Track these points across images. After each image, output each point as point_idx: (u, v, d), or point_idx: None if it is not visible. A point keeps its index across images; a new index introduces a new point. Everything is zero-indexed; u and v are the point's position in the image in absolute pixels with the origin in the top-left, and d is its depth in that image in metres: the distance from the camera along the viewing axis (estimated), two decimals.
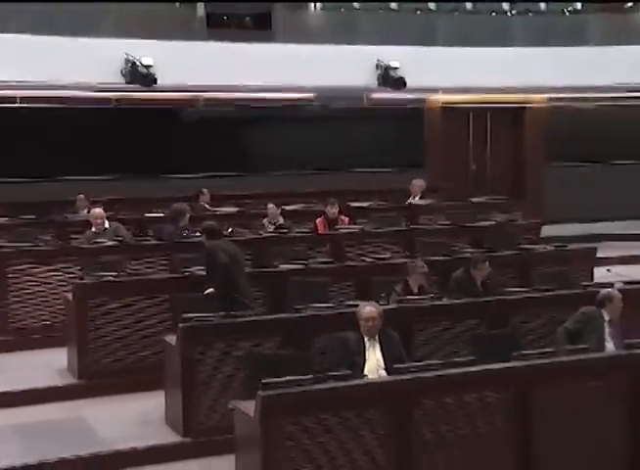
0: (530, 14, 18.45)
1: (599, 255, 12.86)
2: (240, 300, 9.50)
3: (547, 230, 15.49)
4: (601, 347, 8.43)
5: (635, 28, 18.96)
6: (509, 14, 18.40)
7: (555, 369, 7.76)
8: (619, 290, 9.07)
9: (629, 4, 19.26)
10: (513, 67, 16.72)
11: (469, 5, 18.29)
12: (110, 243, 11.87)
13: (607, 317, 8.59)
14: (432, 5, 18.10)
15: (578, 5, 18.89)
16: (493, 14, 18.30)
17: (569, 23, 18.45)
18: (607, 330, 8.55)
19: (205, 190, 14.91)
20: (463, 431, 7.33)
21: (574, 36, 17.91)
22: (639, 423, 7.90)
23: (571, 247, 12.95)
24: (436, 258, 11.49)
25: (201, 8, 15.54)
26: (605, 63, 17.15)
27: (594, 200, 17.97)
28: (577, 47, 17.55)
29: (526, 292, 10.20)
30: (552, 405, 7.60)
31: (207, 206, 14.75)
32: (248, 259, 11.39)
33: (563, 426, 7.61)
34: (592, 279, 11.75)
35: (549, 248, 12.71)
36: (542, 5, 18.66)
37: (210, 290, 9.72)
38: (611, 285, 9.87)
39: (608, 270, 12.86)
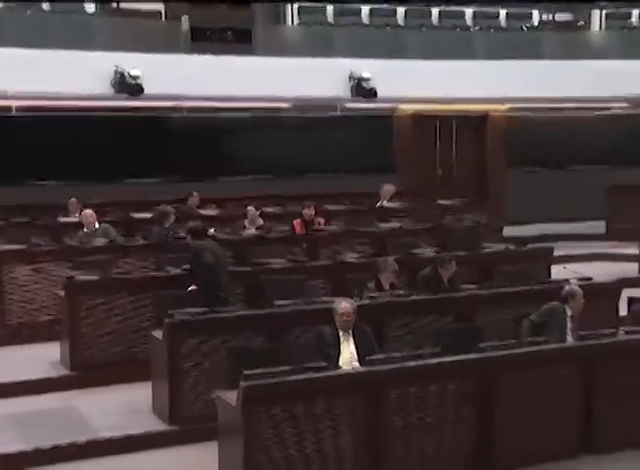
0: (491, 30, 18.53)
1: (556, 253, 12.90)
2: (222, 297, 9.48)
3: (508, 231, 15.54)
4: (562, 340, 8.47)
5: (586, 44, 19.09)
6: (472, 29, 18.46)
7: (515, 360, 7.81)
8: (575, 284, 9.14)
9: (581, 22, 19.39)
10: (475, 78, 16.77)
11: (435, 21, 18.35)
12: (100, 243, 11.84)
13: (569, 313, 8.61)
14: (400, 21, 18.13)
15: (535, 22, 18.98)
16: (457, 29, 18.34)
17: (526, 39, 18.53)
18: (569, 325, 8.57)
19: (195, 192, 14.87)
20: (430, 418, 7.38)
21: (531, 51, 17.99)
22: (592, 407, 7.97)
23: (530, 246, 13.00)
24: (406, 257, 11.51)
25: (185, 23, 15.50)
26: (559, 76, 17.25)
27: (551, 202, 18.04)
28: (534, 61, 17.63)
29: (489, 288, 10.25)
30: (512, 393, 7.66)
31: (196, 207, 14.69)
32: (229, 259, 11.42)
33: (522, 411, 7.67)
34: (549, 276, 11.77)
35: (510, 247, 12.74)
36: (502, 22, 18.74)
37: (193, 287, 9.71)
38: (567, 281, 9.94)
39: (564, 268, 12.88)
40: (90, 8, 15.99)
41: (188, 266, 9.98)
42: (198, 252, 9.71)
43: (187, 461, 7.82)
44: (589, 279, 10.18)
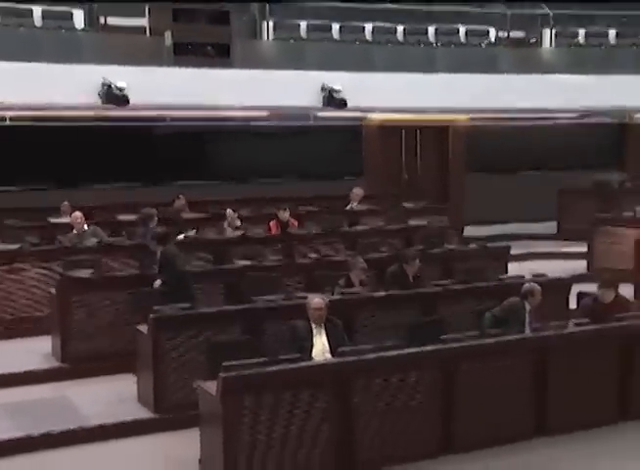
0: (452, 46, 18.56)
1: (512, 252, 12.94)
2: (190, 296, 9.41)
3: (468, 231, 15.62)
4: (522, 332, 8.48)
5: (538, 60, 19.18)
6: (434, 45, 18.48)
7: (475, 350, 7.83)
8: (532, 281, 9.17)
9: (533, 40, 19.51)
10: (438, 90, 16.78)
11: (400, 37, 18.35)
12: (89, 243, 11.78)
13: (528, 308, 8.64)
14: (368, 37, 18.14)
15: (492, 39, 19.05)
16: (421, 45, 18.36)
17: (484, 55, 18.59)
18: (527, 319, 8.60)
19: (181, 196, 14.81)
20: (397, 404, 7.39)
21: (489, 65, 18.05)
22: (545, 393, 8.00)
23: (488, 245, 13.04)
24: (374, 255, 11.52)
25: (168, 38, 15.43)
26: (513, 88, 17.31)
27: (507, 205, 18.09)
28: (491, 74, 17.69)
29: (451, 284, 10.27)
30: (473, 381, 7.68)
31: (183, 210, 14.62)
32: (210, 258, 11.50)
33: (481, 398, 7.70)
34: (506, 273, 11.81)
35: (470, 246, 12.78)
36: (462, 38, 18.79)
37: (158, 282, 9.67)
38: (522, 278, 9.98)
39: (519, 265, 12.96)
40: (79, 24, 15.89)
41: (159, 268, 9.85)
42: (169, 258, 9.66)
43: (171, 447, 7.82)
44: (542, 276, 10.21)
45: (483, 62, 18.19)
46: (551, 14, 19.33)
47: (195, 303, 9.25)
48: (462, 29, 18.84)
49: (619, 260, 13.35)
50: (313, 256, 11.80)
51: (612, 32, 19.77)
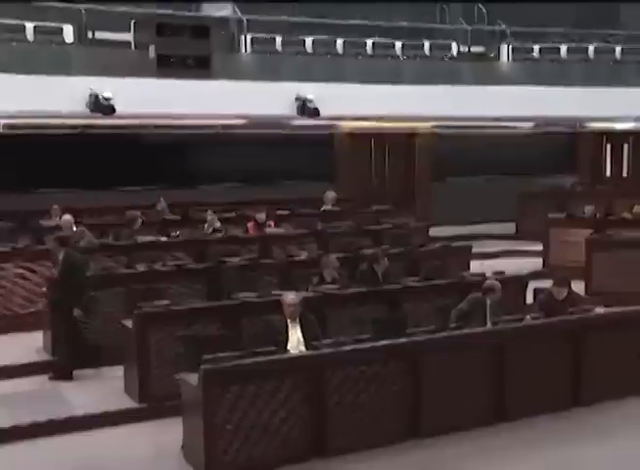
0: (418, 59, 18.57)
1: (474, 251, 12.99)
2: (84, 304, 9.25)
3: (433, 231, 15.63)
4: (484, 325, 8.52)
5: (496, 72, 19.26)
6: (401, 58, 18.49)
7: (439, 342, 7.86)
8: (492, 278, 9.22)
9: (492, 54, 19.61)
10: (404, 100, 16.78)
11: (369, 51, 18.34)
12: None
13: (489, 303, 8.67)
14: (340, 50, 18.12)
15: (454, 53, 19.09)
16: (389, 58, 18.35)
17: (446, 67, 18.62)
18: (488, 313, 8.63)
19: (162, 199, 14.74)
20: (367, 393, 7.40)
21: (451, 77, 18.08)
22: (504, 381, 8.04)
23: (451, 245, 13.07)
24: (345, 254, 11.51)
25: (152, 51, 15.37)
26: (474, 98, 17.37)
27: (469, 207, 18.17)
28: (454, 86, 17.73)
29: (417, 282, 10.30)
30: (437, 370, 7.70)
31: (164, 213, 14.56)
32: (191, 257, 11.52)
33: (445, 386, 7.72)
34: (469, 270, 11.83)
35: (435, 245, 12.80)
36: (427, 52, 18.81)
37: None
38: (483, 275, 10.02)
39: (481, 263, 13.00)
40: (68, 38, 15.81)
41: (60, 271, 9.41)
42: (75, 264, 9.35)
43: (155, 434, 7.81)
44: (502, 273, 10.25)
45: (447, 74, 18.21)
46: (508, 30, 19.43)
47: (86, 312, 9.10)
48: (427, 44, 18.86)
49: (572, 258, 13.45)
50: (289, 255, 11.77)
51: (563, 48, 19.89)
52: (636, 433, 7.86)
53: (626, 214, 14.96)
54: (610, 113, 18.61)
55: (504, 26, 19.39)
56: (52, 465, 7.19)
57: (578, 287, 10.56)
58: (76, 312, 9.06)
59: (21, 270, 11.07)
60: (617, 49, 20.23)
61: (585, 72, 19.33)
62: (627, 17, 21.37)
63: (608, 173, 21.74)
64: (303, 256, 11.63)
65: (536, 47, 19.64)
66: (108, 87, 14.22)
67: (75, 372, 9.19)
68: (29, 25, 15.20)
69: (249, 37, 17.40)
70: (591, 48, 20.02)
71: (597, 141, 21.44)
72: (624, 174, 21.79)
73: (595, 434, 7.79)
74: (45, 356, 9.78)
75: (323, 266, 9.97)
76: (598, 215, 14.93)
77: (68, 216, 12.18)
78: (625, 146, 21.79)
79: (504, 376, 8.06)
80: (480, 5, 19.31)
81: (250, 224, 13.40)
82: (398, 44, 18.63)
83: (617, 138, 21.59)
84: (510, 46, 19.40)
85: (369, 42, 18.38)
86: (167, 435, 7.47)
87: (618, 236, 13.12)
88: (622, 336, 8.79)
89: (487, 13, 19.35)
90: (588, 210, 14.94)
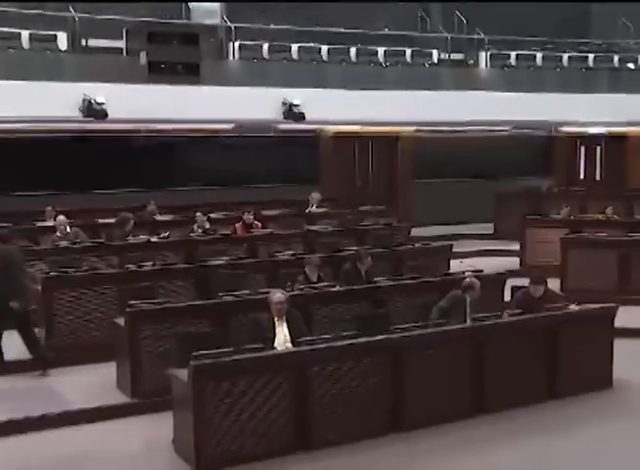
0: (399, 65, 18.63)
1: (454, 250, 13.01)
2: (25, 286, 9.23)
3: (415, 231, 15.68)
4: (464, 322, 8.53)
5: (475, 78, 19.34)
6: (383, 65, 18.54)
7: (420, 339, 7.86)
8: (471, 276, 9.23)
9: (471, 61, 19.68)
10: (387, 105, 16.84)
11: (353, 57, 18.38)
12: (71, 244, 11.66)
13: (468, 300, 8.69)
14: (325, 57, 18.15)
15: (435, 60, 19.15)
16: (372, 65, 18.40)
17: (427, 73, 18.68)
18: (468, 310, 8.65)
19: (152, 201, 14.70)
20: (350, 387, 7.41)
21: (432, 83, 18.14)
22: (483, 375, 8.06)
23: (432, 244, 13.09)
24: (330, 254, 11.51)
25: (143, 58, 15.35)
26: (454, 103, 17.44)
27: (450, 208, 18.23)
28: (434, 91, 17.78)
29: (399, 280, 10.30)
30: (419, 366, 7.71)
31: (154, 214, 14.52)
32: (181, 257, 11.48)
33: (427, 380, 7.73)
34: (449, 269, 11.86)
35: (416, 245, 12.80)
36: (408, 59, 18.86)
37: None
38: (462, 274, 10.02)
39: (460, 262, 12.99)
40: (62, 45, 15.80)
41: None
42: (3, 256, 9.22)
43: (146, 428, 7.77)
44: (480, 271, 10.25)
45: (427, 80, 18.29)
46: (486, 39, 19.53)
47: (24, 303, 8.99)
48: (408, 51, 18.92)
49: (547, 257, 13.50)
50: (275, 254, 11.76)
51: (539, 56, 20.05)
52: (605, 424, 7.90)
53: (599, 215, 15.05)
54: (583, 117, 18.76)
55: (482, 35, 19.48)
56: (46, 459, 7.14)
57: (554, 285, 10.59)
58: (14, 305, 8.95)
59: None
60: (590, 57, 20.44)
61: (559, 79, 19.49)
62: (598, 28, 21.59)
63: (582, 176, 21.89)
64: (289, 256, 11.60)
65: (513, 55, 19.78)
66: (100, 93, 14.22)
67: (70, 368, 9.16)
68: (25, 33, 15.18)
69: (236, 44, 17.43)
70: (565, 56, 20.23)
71: (571, 145, 21.58)
72: (597, 177, 21.95)
73: (568, 425, 7.82)
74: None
75: (305, 263, 9.97)
76: (573, 216, 14.99)
77: (62, 217, 12.15)
78: (598, 149, 21.93)
79: (483, 371, 8.07)
80: (460, 14, 19.37)
81: (237, 225, 13.37)
82: (381, 51, 18.70)
83: (590, 142, 21.72)
84: (488, 54, 19.52)
85: (353, 49, 18.45)
86: (159, 429, 7.44)
87: (592, 236, 13.17)
88: (595, 331, 8.83)
89: (467, 22, 19.42)
90: (564, 211, 14.99)
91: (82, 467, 7.03)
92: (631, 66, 20.94)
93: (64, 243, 11.68)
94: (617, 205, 15.96)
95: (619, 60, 20.79)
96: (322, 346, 7.38)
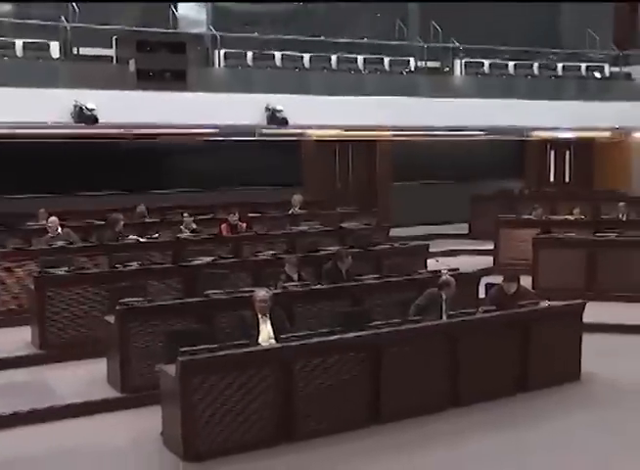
0: (378, 73, 18.63)
1: (431, 249, 13.04)
2: None
3: (393, 232, 15.68)
4: (440, 318, 8.56)
5: (450, 85, 19.37)
6: (363, 72, 18.53)
7: (398, 335, 7.88)
8: (447, 274, 9.26)
9: (446, 69, 19.74)
10: (366, 111, 16.82)
11: (334, 65, 18.37)
12: (62, 244, 11.61)
13: (444, 297, 8.71)
14: (307, 64, 18.13)
15: (412, 68, 19.18)
16: (352, 72, 18.39)
17: (405, 80, 18.70)
18: (444, 307, 8.68)
19: (142, 203, 14.65)
20: (332, 381, 7.41)
21: (409, 90, 18.15)
22: (458, 370, 8.09)
23: (410, 244, 13.11)
24: (312, 253, 11.52)
25: (132, 65, 15.28)
26: (430, 109, 17.45)
27: (427, 209, 18.29)
28: (411, 97, 17.79)
29: (378, 278, 10.31)
30: (398, 360, 7.73)
31: (142, 215, 14.47)
32: (169, 257, 11.44)
33: (404, 374, 7.75)
34: (426, 268, 11.88)
35: (395, 245, 12.82)
36: (386, 67, 18.87)
37: None
38: (439, 272, 10.05)
39: (437, 261, 13.01)
40: (55, 54, 15.73)
41: None
42: None
43: (136, 421, 7.77)
44: (456, 269, 10.28)
45: (405, 87, 18.28)
46: (461, 47, 19.58)
47: None
48: (386, 59, 18.94)
49: (520, 256, 13.55)
50: (259, 254, 11.76)
51: (510, 64, 20.12)
52: (571, 415, 7.95)
53: (568, 216, 15.13)
54: (552, 123, 18.84)
55: (457, 44, 19.51)
56: (37, 452, 7.13)
57: (526, 282, 10.63)
58: None
59: (8, 269, 10.94)
60: (559, 66, 20.57)
61: (530, 87, 19.56)
62: (567, 39, 21.75)
63: (552, 178, 22.01)
64: (273, 255, 11.59)
65: (486, 63, 19.83)
66: (91, 99, 14.13)
67: (62, 364, 9.14)
68: (19, 42, 15.12)
69: (222, 52, 17.37)
70: (535, 65, 20.33)
71: (542, 149, 21.69)
72: (567, 179, 22.08)
73: (536, 417, 7.86)
74: (33, 350, 9.69)
75: (285, 262, 9.97)
76: (544, 217, 15.07)
77: (53, 218, 12.08)
78: (567, 153, 22.06)
79: (458, 365, 8.11)
80: (436, 24, 19.42)
81: (223, 226, 13.36)
82: (360, 59, 18.69)
83: (559, 146, 21.85)
84: (462, 62, 19.55)
85: (333, 57, 18.42)
86: (147, 422, 7.44)
87: (562, 236, 13.24)
88: (564, 327, 8.88)
89: (442, 31, 19.45)
90: (537, 213, 15.05)
91: (73, 460, 7.00)
92: (597, 75, 21.08)
93: (59, 243, 11.63)
94: (584, 205, 16.07)
95: (586, 69, 20.94)
96: (304, 342, 7.39)
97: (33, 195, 15.43)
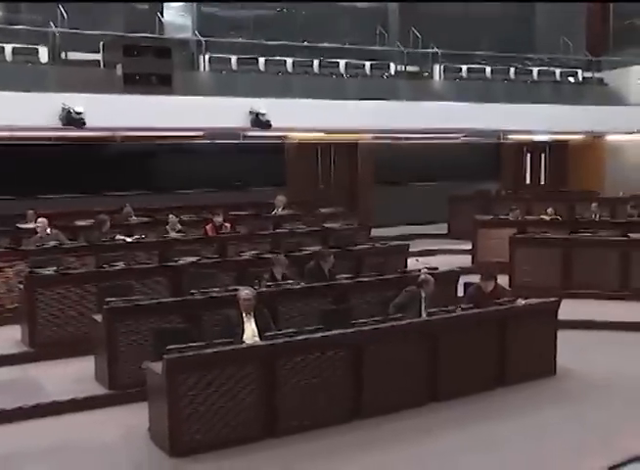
0: (359, 77, 18.69)
1: (411, 249, 13.07)
2: None
3: (374, 232, 15.72)
4: (419, 316, 8.59)
5: (429, 89, 19.47)
6: (344, 76, 18.58)
7: (380, 332, 7.90)
8: (427, 273, 9.29)
9: (425, 73, 19.82)
10: (347, 113, 16.87)
11: (316, 69, 18.40)
12: (51, 245, 11.56)
13: (423, 295, 8.74)
14: (289, 69, 18.15)
15: (392, 72, 19.24)
16: (333, 76, 18.44)
17: (385, 85, 18.76)
18: (423, 304, 8.70)
19: (127, 204, 14.61)
20: (315, 378, 7.42)
21: (389, 93, 18.22)
22: (437, 366, 8.12)
23: (390, 244, 13.14)
24: (295, 253, 11.51)
25: (119, 70, 15.25)
26: (410, 112, 17.52)
27: (406, 210, 18.35)
28: (391, 101, 17.86)
29: (360, 277, 10.32)
30: (378, 358, 7.74)
31: (129, 217, 14.42)
32: (155, 257, 11.38)
33: (385, 370, 7.77)
34: (406, 267, 11.91)
35: (376, 245, 12.84)
36: (367, 71, 18.93)
37: None
38: (418, 271, 10.07)
39: (417, 260, 13.04)
40: (44, 58, 15.70)
41: None
42: None
43: (123, 418, 7.73)
44: (435, 268, 10.32)
45: (385, 90, 18.35)
46: (440, 53, 19.66)
47: None
48: (367, 64, 19.00)
49: (497, 255, 13.61)
50: (243, 254, 11.75)
51: (488, 69, 20.27)
52: (546, 409, 7.99)
53: (543, 216, 15.22)
54: (528, 126, 18.96)
55: (436, 49, 19.59)
56: (27, 448, 7.09)
57: (503, 281, 10.68)
58: None
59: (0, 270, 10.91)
60: (534, 71, 20.73)
61: (506, 91, 19.71)
62: (542, 45, 21.91)
63: (528, 180, 22.13)
64: (256, 255, 11.58)
65: (464, 68, 19.96)
66: (79, 103, 14.10)
67: (51, 362, 9.09)
68: (8, 47, 15.07)
69: (207, 57, 17.39)
70: (512, 70, 20.52)
71: (518, 151, 21.81)
72: (542, 181, 22.21)
73: (512, 411, 7.91)
74: (23, 348, 9.63)
75: (273, 264, 9.95)
76: (520, 217, 15.14)
77: (43, 219, 12.02)
78: (542, 155, 22.20)
79: (437, 362, 8.13)
80: (416, 30, 19.49)
81: (208, 226, 13.33)
82: (342, 64, 18.75)
83: (535, 149, 21.98)
84: (441, 66, 19.66)
85: (316, 62, 18.48)
86: (135, 418, 7.42)
87: (538, 235, 13.31)
88: (540, 324, 8.94)
89: (422, 37, 19.53)
90: (514, 214, 15.10)
91: (62, 456, 6.97)
92: (571, 79, 21.26)
93: (51, 243, 11.58)
94: (559, 206, 16.17)
95: (561, 74, 21.12)
96: (287, 340, 7.40)
97: (22, 196, 15.33)
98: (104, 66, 15.95)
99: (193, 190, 17.34)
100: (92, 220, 13.15)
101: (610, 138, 21.13)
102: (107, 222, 12.40)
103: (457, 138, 19.53)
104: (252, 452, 6.92)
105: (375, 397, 7.72)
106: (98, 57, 16.05)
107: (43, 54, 15.72)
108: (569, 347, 9.28)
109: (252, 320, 7.89)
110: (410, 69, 19.75)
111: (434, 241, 16.92)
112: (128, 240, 12.28)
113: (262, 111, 15.99)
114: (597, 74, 21.60)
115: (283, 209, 15.72)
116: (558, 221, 14.80)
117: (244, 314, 7.88)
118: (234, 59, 17.71)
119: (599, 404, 8.13)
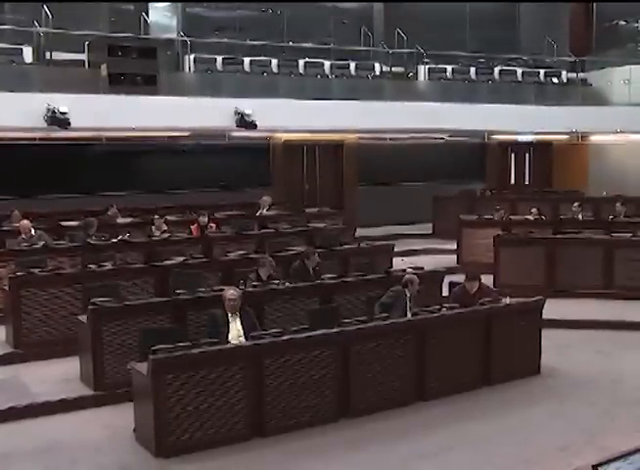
0: (344, 77, 18.71)
1: (396, 249, 13.08)
2: None
3: (360, 232, 15.74)
4: (404, 315, 8.59)
5: (414, 90, 19.51)
6: (329, 77, 18.59)
7: (365, 332, 7.89)
8: (412, 273, 9.30)
9: (410, 74, 19.85)
10: (333, 114, 16.89)
11: (301, 70, 18.39)
12: (36, 246, 11.49)
13: (408, 295, 8.74)
14: (275, 69, 18.14)
15: (377, 73, 19.27)
16: (318, 76, 18.44)
17: (370, 85, 18.78)
18: (408, 304, 8.71)
19: (113, 204, 14.54)
20: (301, 377, 7.41)
21: (374, 94, 18.25)
22: (424, 364, 8.13)
23: (376, 244, 13.14)
24: (280, 253, 11.50)
25: (104, 70, 15.19)
26: (395, 112, 17.55)
27: (392, 209, 18.36)
28: (376, 101, 17.88)
29: (345, 277, 10.32)
30: (364, 357, 7.75)
31: (115, 217, 14.35)
32: (141, 257, 11.30)
33: (371, 370, 7.77)
34: (391, 266, 11.91)
35: (361, 245, 12.84)
36: (352, 72, 18.95)
37: None
38: (404, 271, 10.10)
39: (402, 260, 13.10)
40: (28, 58, 15.61)
41: None
42: None
43: (109, 418, 7.69)
44: (421, 268, 10.34)
45: (370, 91, 18.38)
46: (424, 53, 19.70)
47: None
48: (352, 64, 19.02)
49: (481, 255, 13.64)
50: (229, 254, 11.72)
51: (472, 70, 20.33)
52: (531, 407, 8.02)
53: (528, 216, 15.26)
54: (512, 127, 19.04)
55: (421, 50, 19.63)
56: (12, 449, 7.04)
57: (488, 280, 10.71)
58: None
59: None
60: (518, 72, 20.81)
61: (491, 91, 19.77)
62: (526, 46, 22.01)
63: (512, 180, 22.20)
64: (242, 255, 11.55)
65: (449, 68, 20.01)
66: (63, 103, 14.03)
67: (36, 363, 9.04)
68: None
69: (192, 57, 17.36)
70: (496, 70, 20.58)
71: (502, 151, 21.87)
72: (527, 181, 22.28)
73: (497, 409, 7.94)
74: (8, 349, 9.56)
75: (260, 265, 9.92)
76: (504, 217, 15.18)
77: (25, 221, 11.94)
78: (527, 156, 22.28)
79: (424, 361, 8.14)
80: (401, 31, 19.52)
81: (193, 227, 13.31)
82: (327, 64, 18.76)
83: (519, 149, 22.05)
84: (426, 67, 19.71)
85: (301, 62, 18.48)
86: (121, 419, 7.38)
87: (522, 235, 13.35)
88: (525, 323, 8.96)
89: (407, 38, 19.56)
90: (499, 214, 15.14)
91: (47, 457, 6.92)
92: (555, 80, 21.34)
93: (40, 243, 11.50)
94: (543, 206, 16.22)
95: (545, 74, 21.20)
96: (273, 339, 7.38)
97: (7, 197, 15.22)
98: (89, 66, 15.90)
99: (179, 190, 17.27)
100: (78, 221, 13.08)
101: (593, 138, 21.24)
102: (94, 225, 12.36)
103: (442, 138, 19.58)
104: (239, 452, 6.90)
105: (362, 396, 7.72)
106: (83, 57, 16.00)
107: (27, 54, 15.64)
108: (553, 345, 9.33)
109: (238, 320, 7.87)
110: (395, 69, 19.78)
111: (419, 241, 16.93)
112: (113, 241, 12.21)
113: (248, 111, 15.96)
114: (581, 75, 21.70)
115: (268, 209, 15.71)
116: (542, 221, 14.84)
117: (229, 315, 7.87)
118: (219, 59, 17.68)
119: (584, 403, 8.17)
